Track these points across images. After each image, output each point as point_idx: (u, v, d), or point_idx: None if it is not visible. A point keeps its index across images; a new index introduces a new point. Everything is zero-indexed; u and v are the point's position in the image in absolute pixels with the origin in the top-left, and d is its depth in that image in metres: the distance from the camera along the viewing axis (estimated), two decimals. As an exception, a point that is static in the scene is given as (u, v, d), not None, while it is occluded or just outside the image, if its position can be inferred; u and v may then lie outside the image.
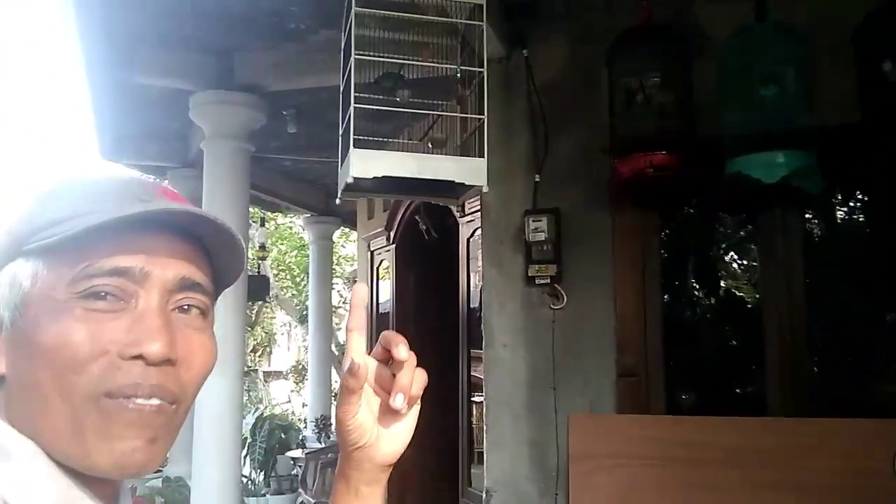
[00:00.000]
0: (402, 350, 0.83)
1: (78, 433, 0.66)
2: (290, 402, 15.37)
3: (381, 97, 2.67)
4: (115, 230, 0.67)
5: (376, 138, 2.65)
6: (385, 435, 0.85)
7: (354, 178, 2.59)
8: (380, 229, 6.49)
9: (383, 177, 2.59)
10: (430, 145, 2.76)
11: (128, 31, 3.98)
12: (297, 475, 7.21)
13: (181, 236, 0.72)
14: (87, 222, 0.66)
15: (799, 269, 3.29)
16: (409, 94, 2.69)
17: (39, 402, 0.67)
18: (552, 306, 3.47)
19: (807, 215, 3.39)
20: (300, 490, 6.60)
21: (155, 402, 0.68)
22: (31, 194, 0.72)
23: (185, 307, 0.72)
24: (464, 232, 4.86)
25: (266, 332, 16.57)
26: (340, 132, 2.67)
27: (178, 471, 5.66)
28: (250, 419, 8.04)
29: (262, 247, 8.09)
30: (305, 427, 8.51)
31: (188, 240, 0.73)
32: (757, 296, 3.46)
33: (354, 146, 2.59)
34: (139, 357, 0.67)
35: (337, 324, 14.20)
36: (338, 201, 2.86)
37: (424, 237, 5.87)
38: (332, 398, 10.07)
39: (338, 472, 0.88)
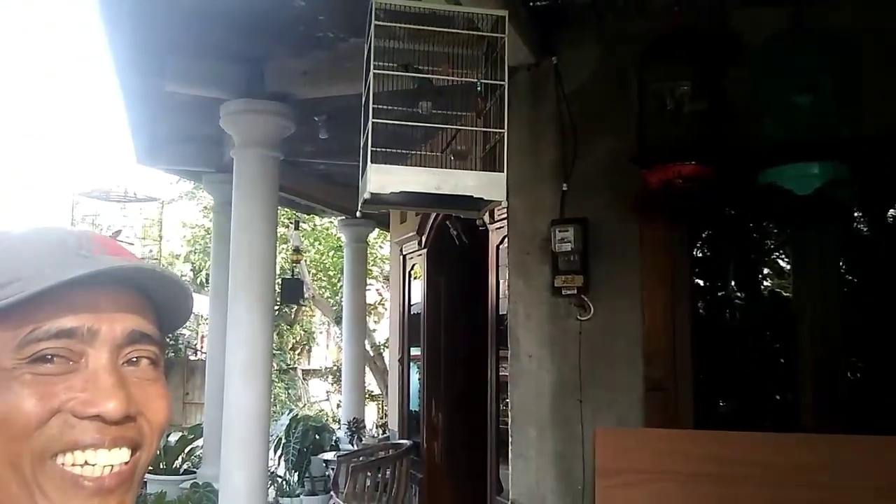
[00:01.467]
0: None
1: (33, 500, 0.65)
2: (328, 399, 15.48)
3: (402, 109, 2.64)
4: (59, 290, 0.65)
5: (396, 150, 2.62)
6: None
7: (372, 194, 2.58)
8: (412, 233, 6.49)
9: (402, 191, 2.57)
10: (451, 157, 2.72)
11: (157, 39, 4.02)
12: (329, 477, 7.24)
13: (125, 288, 0.71)
14: (30, 287, 0.64)
15: (834, 280, 3.21)
16: (431, 106, 2.65)
17: None
18: (579, 317, 3.42)
19: (842, 226, 3.29)
20: (332, 492, 6.62)
21: (119, 452, 0.67)
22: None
23: (135, 359, 0.71)
24: (493, 238, 4.82)
25: (305, 331, 16.70)
26: (361, 144, 2.65)
27: (208, 474, 5.73)
28: (284, 420, 8.10)
29: (297, 250, 8.14)
30: (339, 428, 8.55)
31: (132, 291, 0.72)
32: (790, 307, 3.37)
33: (372, 160, 2.57)
34: (96, 417, 0.65)
35: (376, 321, 14.27)
36: (358, 214, 2.85)
37: (455, 242, 5.84)
38: (366, 400, 10.11)
39: None
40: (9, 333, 0.66)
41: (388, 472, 5.97)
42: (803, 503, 2.91)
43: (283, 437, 7.88)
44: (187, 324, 15.04)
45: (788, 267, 3.44)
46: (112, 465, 0.67)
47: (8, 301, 0.64)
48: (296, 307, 13.70)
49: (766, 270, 3.78)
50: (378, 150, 2.57)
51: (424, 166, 2.67)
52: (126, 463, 0.68)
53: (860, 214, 3.41)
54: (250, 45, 4.09)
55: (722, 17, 3.30)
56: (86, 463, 0.65)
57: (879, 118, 2.94)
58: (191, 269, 14.87)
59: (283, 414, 8.48)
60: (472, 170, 2.72)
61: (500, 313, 4.83)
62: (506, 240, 3.83)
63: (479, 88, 2.77)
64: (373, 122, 2.52)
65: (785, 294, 3.55)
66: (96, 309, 0.68)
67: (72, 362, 0.67)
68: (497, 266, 4.90)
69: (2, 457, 0.65)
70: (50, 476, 0.65)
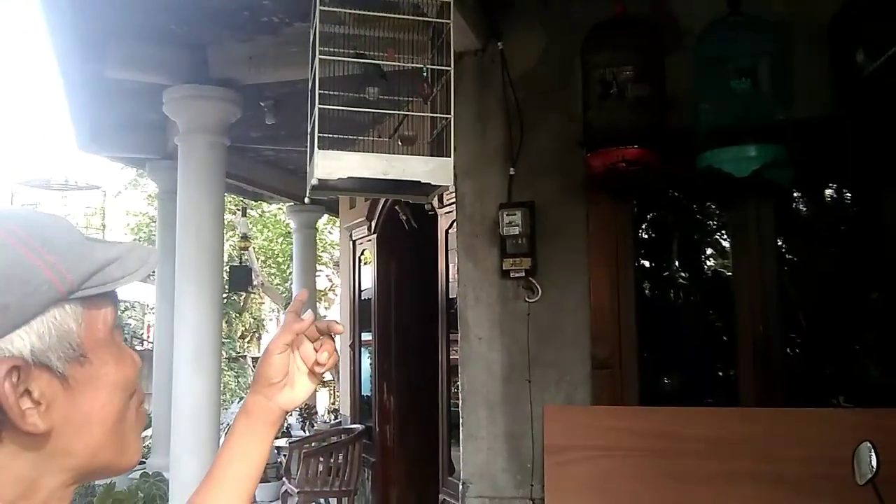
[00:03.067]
0: (338, 327, 1.03)
1: (123, 442, 0.76)
2: (278, 387, 15.34)
3: (349, 94, 2.64)
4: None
5: (344, 136, 2.63)
6: (293, 385, 1.03)
7: (319, 180, 2.58)
8: (361, 219, 6.49)
9: (349, 176, 2.58)
10: (399, 143, 2.74)
11: (98, 24, 3.93)
12: (281, 463, 7.24)
13: None
14: (118, 274, 0.74)
15: (771, 258, 3.31)
16: (379, 91, 2.66)
17: (99, 429, 0.73)
18: (527, 299, 3.47)
19: (779, 206, 3.40)
20: (284, 479, 6.62)
21: None
22: (64, 240, 0.73)
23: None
24: (442, 223, 4.86)
25: (255, 318, 16.56)
26: (308, 130, 2.65)
27: (158, 463, 5.67)
28: (235, 408, 8.04)
29: (245, 237, 8.06)
30: (290, 415, 8.52)
31: None
32: (731, 286, 3.48)
33: (319, 147, 2.58)
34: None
35: (327, 307, 14.22)
36: (306, 201, 2.85)
37: (405, 227, 5.86)
38: (317, 386, 10.09)
39: (241, 410, 1.05)
40: (95, 309, 0.73)
41: (340, 457, 6.00)
42: (741, 473, 3.03)
43: (235, 426, 7.81)
44: (134, 313, 14.80)
45: (729, 247, 3.54)
46: None
47: (114, 283, 0.74)
48: (245, 295, 13.58)
49: (707, 250, 3.88)
50: (326, 136, 2.58)
51: (372, 152, 2.68)
52: None
53: (796, 195, 3.53)
54: (194, 29, 4.03)
55: (662, 4, 3.37)
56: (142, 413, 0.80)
57: (811, 102, 3.04)
58: (136, 258, 14.55)
59: (233, 402, 8.41)
60: (419, 155, 2.75)
61: (451, 297, 4.87)
62: (454, 224, 3.87)
63: (425, 74, 2.79)
64: (319, 108, 2.52)
65: (726, 273, 3.66)
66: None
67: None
68: (447, 250, 4.93)
69: (123, 407, 0.76)
70: (132, 423, 0.78)
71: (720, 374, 3.76)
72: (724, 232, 3.67)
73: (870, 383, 3.50)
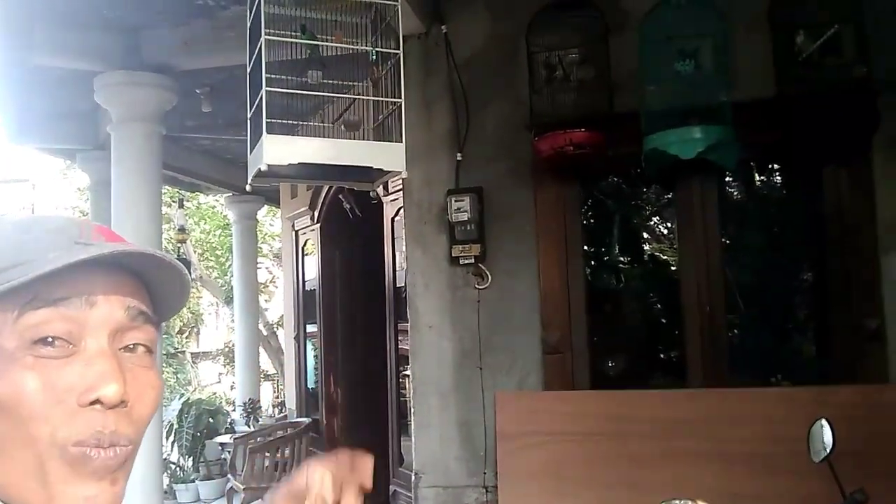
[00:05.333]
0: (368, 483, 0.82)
1: (41, 481, 0.66)
2: (220, 382, 15.12)
3: (292, 78, 2.56)
4: (61, 274, 0.66)
5: (288, 122, 2.55)
6: None
7: (269, 166, 2.50)
8: (304, 208, 6.38)
9: (298, 163, 2.50)
10: (343, 128, 2.67)
11: (24, 9, 3.73)
12: (226, 460, 7.09)
13: (123, 274, 0.72)
14: (33, 270, 0.65)
15: (715, 237, 3.35)
16: (321, 76, 2.59)
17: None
18: (477, 286, 3.45)
19: (724, 185, 3.44)
20: (229, 475, 6.49)
21: (117, 436, 0.68)
22: None
23: (132, 346, 0.72)
24: (388, 210, 4.79)
25: (193, 313, 16.20)
26: (249, 115, 2.56)
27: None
28: (176, 404, 7.85)
29: (182, 229, 7.83)
30: (234, 410, 8.37)
31: (130, 276, 0.73)
32: (676, 268, 3.51)
33: (267, 131, 2.49)
34: (96, 401, 0.67)
35: (267, 300, 14.00)
36: (247, 188, 2.76)
37: (349, 216, 5.78)
38: (261, 380, 9.93)
39: None
40: (8, 314, 0.67)
41: (286, 452, 5.90)
42: (688, 454, 3.06)
43: (176, 423, 7.65)
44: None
45: (674, 228, 3.57)
46: (113, 447, 0.68)
47: (10, 284, 0.65)
48: (183, 289, 13.24)
49: (654, 233, 3.91)
50: (273, 121, 2.49)
51: (316, 137, 2.61)
52: (123, 448, 0.69)
53: (740, 176, 3.58)
54: (126, 13, 3.86)
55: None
56: (85, 445, 0.66)
57: (754, 83, 3.08)
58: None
59: (174, 399, 8.20)
60: (365, 140, 2.69)
61: (398, 286, 4.81)
62: (401, 212, 3.82)
63: (373, 57, 2.72)
64: (266, 91, 2.44)
65: (672, 255, 3.69)
66: (96, 291, 0.69)
67: (71, 345, 0.68)
68: (392, 238, 4.87)
69: (14, 435, 0.66)
70: (53, 457, 0.66)
71: (668, 355, 3.80)
72: (670, 212, 3.70)
73: (808, 362, 3.59)
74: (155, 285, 0.75)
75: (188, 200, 11.58)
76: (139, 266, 0.72)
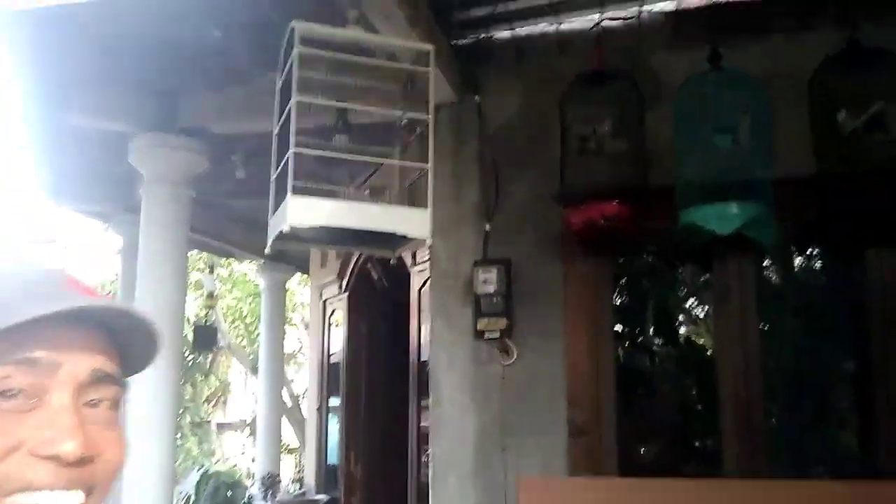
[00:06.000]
0: None
1: None
2: (244, 454, 14.93)
3: (319, 142, 2.52)
4: (30, 325, 0.66)
5: (313, 185, 2.50)
6: None
7: (292, 227, 2.44)
8: (332, 277, 6.32)
9: (319, 226, 2.44)
10: (368, 193, 2.62)
11: (61, 70, 3.81)
12: (242, 535, 6.91)
13: (92, 328, 0.72)
14: (7, 321, 0.65)
15: (754, 320, 3.20)
16: (347, 139, 2.55)
17: None
18: (502, 362, 3.32)
19: (762, 265, 3.31)
20: (244, 552, 6.30)
21: (74, 494, 0.68)
22: None
23: (96, 401, 0.72)
24: (415, 282, 4.72)
25: (221, 381, 16.14)
26: (273, 177, 2.52)
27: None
28: (194, 476, 7.72)
29: (211, 295, 7.85)
30: (253, 484, 8.18)
31: (99, 331, 0.73)
32: (712, 351, 3.36)
33: (292, 192, 2.44)
34: (54, 456, 0.66)
35: (296, 371, 13.89)
36: (267, 250, 2.71)
37: (376, 286, 5.71)
38: (283, 453, 9.75)
39: None
40: None
41: (303, 529, 5.71)
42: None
43: (193, 495, 7.50)
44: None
45: (710, 309, 3.43)
46: None
47: None
48: (211, 356, 13.25)
49: (688, 312, 3.78)
50: (300, 184, 2.44)
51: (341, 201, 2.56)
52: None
53: (778, 255, 3.45)
54: (162, 77, 3.92)
55: (641, 58, 3.32)
56: (36, 489, 0.66)
57: (793, 160, 2.98)
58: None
59: (192, 470, 8.08)
60: (392, 205, 2.63)
61: (423, 360, 4.70)
62: (428, 283, 3.74)
63: (402, 122, 2.69)
64: (293, 152, 2.40)
65: (706, 337, 3.54)
66: (62, 346, 0.69)
67: (34, 399, 0.67)
68: (419, 311, 4.79)
69: None
70: None
71: (702, 442, 3.62)
72: (705, 293, 3.57)
73: (850, 454, 3.39)
74: (124, 339, 0.75)
75: (221, 266, 11.66)
76: (108, 320, 0.73)
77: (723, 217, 2.84)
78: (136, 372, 0.81)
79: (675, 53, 3.24)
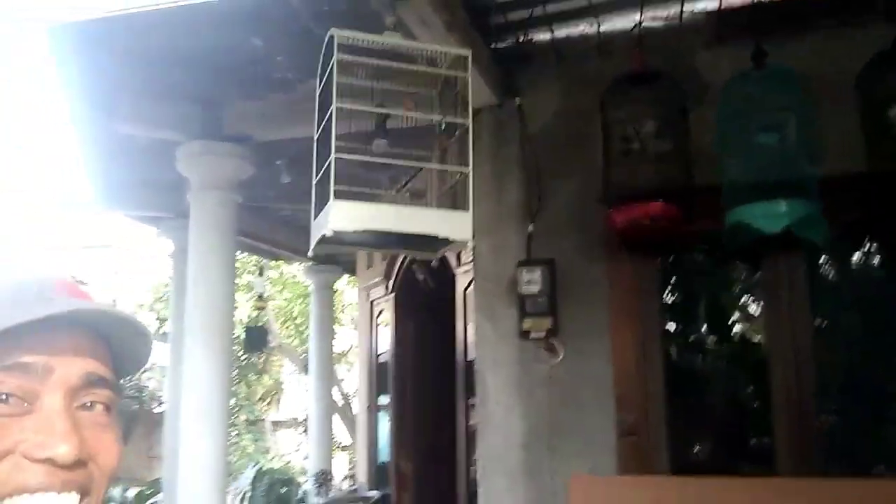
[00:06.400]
0: None
1: None
2: (298, 451, 15.13)
3: (359, 146, 2.55)
4: (18, 330, 0.66)
5: (354, 189, 2.53)
6: None
7: (334, 231, 2.47)
8: (379, 278, 6.38)
9: (362, 230, 2.46)
10: (408, 197, 2.64)
11: (109, 81, 3.91)
12: (295, 532, 7.00)
13: (83, 332, 0.72)
14: None
15: (805, 317, 3.14)
16: (386, 144, 2.57)
17: None
18: (548, 362, 3.31)
19: (812, 263, 3.24)
20: (297, 549, 6.39)
21: (68, 496, 0.67)
22: None
23: (89, 404, 0.72)
24: (460, 282, 4.74)
25: (274, 380, 16.38)
26: (314, 182, 2.55)
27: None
28: (250, 473, 7.85)
29: (261, 297, 7.97)
30: (307, 481, 8.29)
31: (91, 334, 0.73)
32: (762, 348, 3.30)
33: (335, 197, 2.47)
34: (47, 460, 0.66)
35: (347, 370, 14.04)
36: (310, 253, 2.75)
37: (422, 287, 5.74)
38: (335, 450, 9.86)
39: None
40: None
41: (355, 527, 5.77)
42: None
43: (249, 491, 7.63)
44: (152, 375, 14.74)
45: (759, 307, 3.37)
46: None
47: None
48: (264, 356, 13.45)
49: (737, 311, 3.72)
50: (342, 188, 2.47)
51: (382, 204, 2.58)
52: None
53: (829, 253, 3.37)
54: (207, 86, 4.00)
55: (683, 58, 3.28)
56: (29, 491, 0.66)
57: (843, 157, 2.91)
58: (156, 319, 14.54)
59: (248, 467, 8.22)
60: (433, 208, 2.64)
61: (469, 359, 4.72)
62: (473, 283, 3.75)
63: (442, 126, 2.70)
64: (335, 157, 2.42)
65: (756, 335, 3.48)
66: (53, 350, 0.69)
67: (26, 403, 0.68)
68: (465, 311, 4.81)
69: None
70: None
71: (753, 441, 3.56)
72: (753, 292, 3.51)
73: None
74: (116, 343, 0.75)
75: (271, 268, 11.83)
76: (100, 324, 0.73)
77: (770, 215, 2.79)
78: (130, 374, 0.82)
79: (718, 52, 3.19)
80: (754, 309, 3.53)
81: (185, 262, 4.55)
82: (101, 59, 3.70)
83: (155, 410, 13.92)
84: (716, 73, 3.11)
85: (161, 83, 4.00)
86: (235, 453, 13.44)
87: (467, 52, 2.71)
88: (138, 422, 14.64)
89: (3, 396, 0.66)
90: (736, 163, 2.91)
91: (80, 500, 0.69)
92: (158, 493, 6.92)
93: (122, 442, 0.76)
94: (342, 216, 2.47)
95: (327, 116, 2.57)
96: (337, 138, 2.50)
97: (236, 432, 13.74)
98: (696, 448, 3.52)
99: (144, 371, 14.80)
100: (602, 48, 3.38)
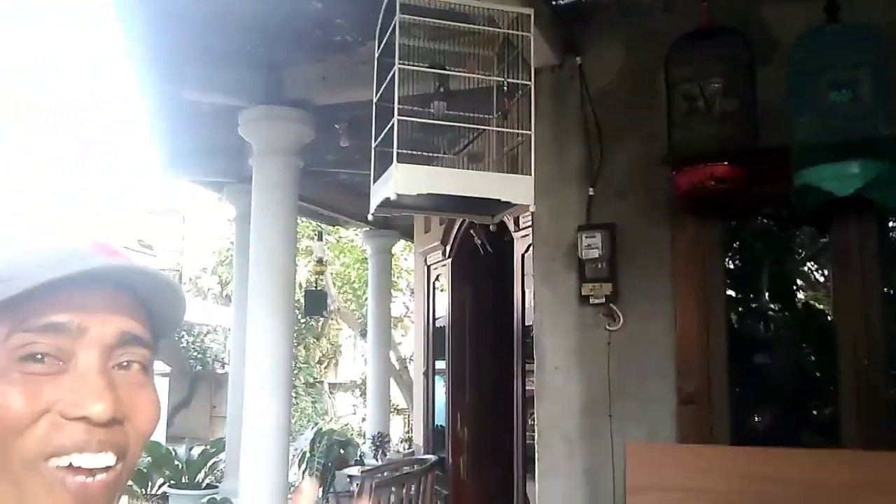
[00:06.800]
0: None
1: (20, 500, 0.65)
2: (354, 413, 15.40)
3: (417, 108, 2.53)
4: (52, 290, 0.66)
5: (415, 152, 2.52)
6: None
7: (398, 195, 2.47)
8: (436, 243, 6.39)
9: (428, 192, 2.46)
10: (466, 160, 2.62)
11: (173, 46, 3.96)
12: (353, 493, 7.13)
13: (119, 291, 0.72)
14: (24, 284, 0.65)
15: (876, 286, 3.03)
16: (446, 107, 2.55)
17: None
18: (608, 327, 3.28)
19: (885, 227, 3.12)
20: (356, 509, 6.51)
21: (105, 456, 0.67)
22: None
23: (126, 363, 0.71)
24: (518, 247, 4.71)
25: (332, 344, 16.64)
26: (373, 144, 2.55)
27: (230, 488, 5.63)
28: (309, 434, 8.01)
29: (320, 261, 8.05)
30: (364, 443, 8.44)
31: (126, 293, 0.72)
32: (830, 317, 3.21)
33: (399, 160, 2.47)
34: (83, 418, 0.66)
35: (403, 335, 14.19)
36: (369, 217, 2.75)
37: (480, 251, 5.73)
38: (392, 414, 9.99)
39: None
40: (2, 329, 0.67)
41: (412, 488, 5.84)
42: (845, 523, 2.75)
43: (308, 452, 7.80)
44: (215, 337, 15.08)
45: (827, 273, 3.27)
46: (96, 472, 0.67)
47: (2, 297, 0.65)
48: (323, 320, 13.65)
49: (803, 277, 3.61)
50: (404, 151, 2.47)
51: (442, 168, 2.57)
52: (111, 468, 0.68)
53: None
54: (268, 51, 4.02)
55: (751, 13, 3.16)
56: (70, 465, 0.66)
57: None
58: (217, 283, 14.87)
59: (307, 428, 8.39)
60: (494, 172, 2.62)
61: (527, 324, 4.71)
62: (530, 248, 3.72)
63: (505, 88, 2.66)
64: (398, 119, 2.42)
65: (824, 302, 3.38)
66: (88, 308, 0.69)
67: (61, 362, 0.67)
68: (522, 275, 4.78)
69: None
70: (35, 477, 0.65)
71: (819, 412, 3.47)
72: (822, 257, 3.40)
73: None
74: (151, 302, 0.74)
75: (329, 234, 11.95)
76: (135, 283, 0.72)
77: (841, 177, 2.69)
78: (165, 335, 0.80)
79: (788, 6, 3.08)
80: (822, 275, 3.43)
81: (247, 227, 4.62)
82: (166, 25, 3.74)
83: (218, 371, 14.30)
84: (785, 28, 3.00)
85: (224, 49, 4.03)
86: (295, 414, 13.73)
87: (529, 11, 2.67)
88: (201, 382, 15.08)
89: (38, 356, 0.66)
90: (805, 122, 2.81)
91: (116, 460, 0.68)
92: (221, 451, 7.12)
93: (158, 401, 0.75)
94: (405, 179, 2.47)
95: (388, 79, 2.56)
96: (399, 100, 2.49)
97: (295, 394, 14.04)
98: (758, 417, 3.45)
99: (208, 333, 15.20)
100: (667, 3, 3.29)
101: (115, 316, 0.70)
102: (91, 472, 0.66)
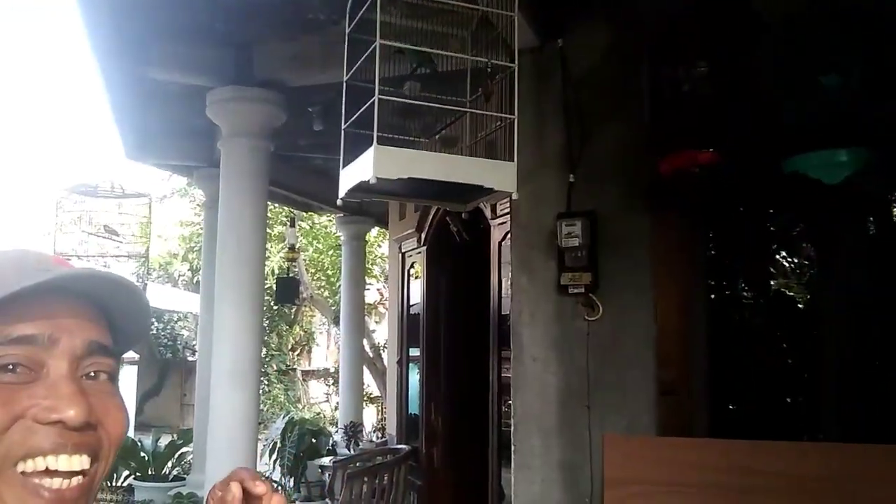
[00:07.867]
0: (258, 486, 0.79)
1: None
2: (327, 401, 15.32)
3: (389, 89, 2.41)
4: (18, 302, 0.68)
5: (391, 135, 2.40)
6: None
7: (378, 179, 2.34)
8: (411, 230, 6.29)
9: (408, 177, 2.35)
10: (439, 145, 2.51)
11: (139, 24, 3.80)
12: (325, 483, 7.04)
13: (83, 302, 0.74)
14: None
15: (860, 277, 2.99)
16: (419, 88, 2.43)
17: None
18: (587, 317, 3.21)
19: (872, 217, 3.07)
20: (327, 500, 6.42)
21: (80, 458, 0.68)
22: None
23: (93, 374, 0.73)
24: (495, 234, 4.62)
25: (305, 331, 16.53)
26: (343, 126, 2.43)
27: (198, 480, 5.52)
28: (280, 423, 7.90)
29: (293, 247, 7.92)
30: (336, 432, 8.34)
31: (90, 304, 0.74)
32: (812, 307, 3.16)
33: (378, 142, 2.35)
34: (58, 422, 0.67)
35: (377, 321, 14.10)
36: (339, 202, 2.64)
37: (456, 239, 5.64)
38: (365, 402, 9.91)
39: None
40: None
41: (385, 479, 5.76)
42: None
43: (279, 442, 7.69)
44: (186, 324, 14.86)
45: (810, 264, 3.22)
46: (71, 477, 0.68)
47: None
48: (296, 307, 13.52)
49: (786, 267, 3.56)
50: (381, 134, 2.35)
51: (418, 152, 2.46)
52: (85, 474, 0.69)
53: (890, 206, 3.20)
54: (238, 28, 3.88)
55: (740, -4, 3.09)
56: (47, 469, 0.67)
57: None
58: (188, 269, 14.64)
59: (279, 416, 8.27)
60: (479, 158, 2.52)
61: (503, 313, 4.64)
62: (508, 236, 3.64)
63: (488, 69, 2.55)
64: (378, 99, 2.29)
65: (806, 293, 3.34)
66: (55, 321, 0.71)
67: (33, 372, 0.69)
68: (499, 263, 4.70)
69: None
70: (10, 483, 0.67)
71: (800, 404, 3.43)
72: (804, 247, 3.35)
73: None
74: (115, 311, 0.76)
75: (303, 220, 11.80)
76: (99, 292, 0.74)
77: (830, 165, 2.63)
78: (130, 346, 0.83)
79: (778, -13, 2.99)
80: (806, 265, 3.38)
81: (216, 212, 4.49)
82: (131, 2, 3.58)
83: (189, 359, 14.12)
84: (774, 10, 2.91)
85: (192, 26, 3.88)
86: (267, 402, 13.62)
87: (514, -11, 2.56)
88: (171, 370, 14.90)
89: (11, 366, 0.68)
90: (793, 107, 2.74)
91: (91, 462, 0.70)
92: (190, 442, 6.98)
93: (126, 408, 0.77)
94: (385, 162, 2.35)
95: (364, 57, 2.44)
96: (370, 81, 2.37)
97: (268, 382, 13.91)
98: (739, 409, 3.41)
99: (178, 320, 14.99)
100: (652, -14, 3.20)
101: (83, 326, 0.72)
102: (68, 474, 0.68)
